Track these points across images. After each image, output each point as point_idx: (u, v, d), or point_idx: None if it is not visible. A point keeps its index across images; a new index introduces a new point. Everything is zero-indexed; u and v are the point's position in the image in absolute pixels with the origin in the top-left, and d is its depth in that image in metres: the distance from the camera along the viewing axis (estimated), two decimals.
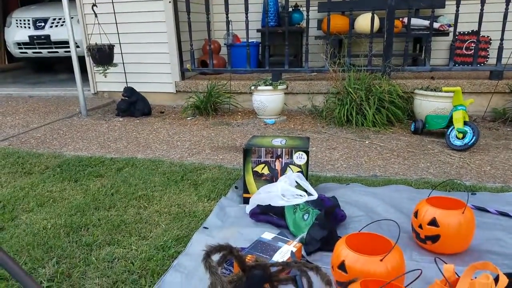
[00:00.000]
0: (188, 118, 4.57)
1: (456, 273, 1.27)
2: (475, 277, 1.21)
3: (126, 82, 5.09)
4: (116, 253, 1.84)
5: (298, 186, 2.12)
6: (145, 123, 4.40)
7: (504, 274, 1.37)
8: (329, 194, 2.34)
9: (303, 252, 1.80)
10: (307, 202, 2.03)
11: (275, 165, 2.31)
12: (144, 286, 1.61)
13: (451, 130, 3.24)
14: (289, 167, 2.29)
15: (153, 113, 4.83)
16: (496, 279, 1.21)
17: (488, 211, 2.11)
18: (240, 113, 4.72)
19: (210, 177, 2.74)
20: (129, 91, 4.63)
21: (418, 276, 1.24)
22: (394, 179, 2.67)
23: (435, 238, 1.73)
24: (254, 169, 2.32)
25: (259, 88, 4.27)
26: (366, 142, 3.54)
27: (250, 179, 2.33)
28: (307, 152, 2.26)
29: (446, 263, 1.26)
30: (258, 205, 2.12)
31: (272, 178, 2.31)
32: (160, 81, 5.17)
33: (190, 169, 2.90)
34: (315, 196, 2.05)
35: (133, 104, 4.65)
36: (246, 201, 2.30)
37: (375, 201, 2.28)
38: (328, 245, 1.78)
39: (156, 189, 2.57)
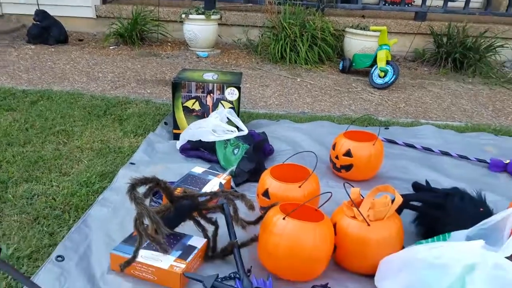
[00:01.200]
0: (111, 47, 4.34)
1: (361, 195, 1.52)
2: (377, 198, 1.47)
3: (38, 5, 4.60)
4: (35, 190, 1.81)
5: (229, 122, 2.23)
6: (61, 51, 4.10)
7: (401, 195, 1.67)
8: (260, 130, 2.49)
9: (232, 184, 1.96)
10: (237, 137, 2.17)
11: (206, 101, 2.37)
12: (68, 221, 1.63)
13: (374, 69, 3.53)
14: (221, 103, 2.37)
15: (70, 40, 4.50)
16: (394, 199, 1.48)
17: (397, 143, 2.45)
18: (170, 44, 4.58)
19: (137, 112, 2.72)
20: (41, 15, 4.22)
21: (329, 198, 1.48)
22: (320, 115, 2.91)
23: (348, 167, 2.00)
24: (184, 104, 2.36)
25: (190, 16, 4.14)
26: (298, 80, 3.73)
27: (180, 114, 2.37)
28: (238, 88, 2.34)
29: (353, 187, 1.50)
30: (188, 141, 2.20)
31: (204, 113, 2.37)
32: (77, 4, 4.76)
33: (114, 103, 2.83)
34: (245, 131, 2.19)
35: (46, 30, 4.28)
36: (176, 137, 2.35)
37: (301, 136, 2.50)
38: (256, 176, 1.96)
39: (76, 124, 2.50)
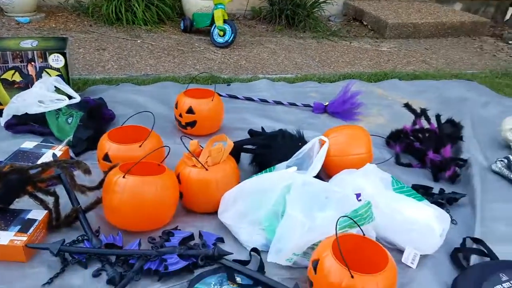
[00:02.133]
0: None
1: (201, 146, 1.72)
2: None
3: None
4: None
5: (59, 91, 2.15)
6: None
7: (236, 141, 1.94)
8: (97, 96, 2.46)
9: (71, 154, 1.96)
10: (70, 105, 2.11)
11: (28, 70, 2.23)
12: None
13: (214, 28, 3.74)
14: (45, 71, 2.26)
15: None
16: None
17: (238, 98, 2.73)
18: None
19: None
20: None
21: (168, 153, 1.66)
22: (164, 76, 3.01)
23: (193, 124, 2.19)
24: (3, 77, 2.19)
25: None
26: (138, 41, 3.70)
27: None
28: (63, 54, 2.25)
29: (192, 139, 1.69)
30: (14, 116, 2.08)
31: (27, 84, 2.23)
32: None
33: None
34: (77, 99, 2.15)
35: None
36: None
37: (144, 98, 2.58)
38: (96, 143, 1.94)
39: None
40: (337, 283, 1.16)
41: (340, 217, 1.28)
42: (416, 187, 1.84)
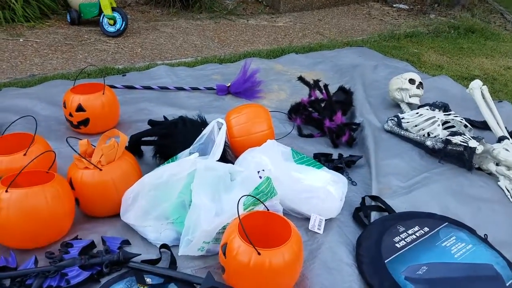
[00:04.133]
0: None
1: (93, 145, 1.59)
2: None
3: None
4: None
5: None
6: None
7: (134, 134, 1.84)
8: None
9: None
10: None
11: None
12: None
13: (102, 18, 3.47)
14: None
15: None
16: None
17: (135, 88, 2.58)
18: None
19: None
20: None
21: (54, 159, 1.51)
22: (52, 75, 2.73)
23: (85, 122, 2.02)
24: None
25: None
26: (21, 40, 3.32)
27: None
28: None
29: (80, 139, 1.55)
30: None
31: None
32: None
33: None
34: None
35: None
36: None
37: (31, 101, 2.32)
38: None
39: None
40: (245, 263, 1.16)
41: (242, 196, 1.27)
42: (317, 156, 1.91)
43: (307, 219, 1.55)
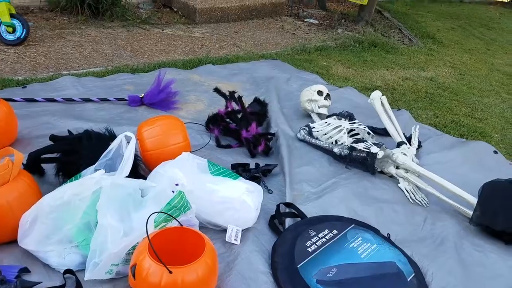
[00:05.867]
0: None
1: None
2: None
3: None
4: None
5: None
6: None
7: (34, 151, 1.68)
8: None
9: None
10: None
11: None
12: None
13: (0, 25, 3.15)
14: None
15: None
16: None
17: (37, 100, 2.37)
18: None
19: None
20: None
21: None
22: None
23: None
24: None
25: None
26: None
27: None
28: None
29: None
30: None
31: None
32: None
33: None
34: None
35: None
36: None
37: None
38: None
39: None
40: (156, 283, 1.12)
41: (151, 214, 1.22)
42: (235, 166, 1.92)
43: (225, 230, 1.54)
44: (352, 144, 2.09)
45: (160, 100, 2.52)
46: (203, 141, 2.19)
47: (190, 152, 1.73)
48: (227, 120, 2.27)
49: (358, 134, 2.27)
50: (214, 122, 2.27)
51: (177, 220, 1.30)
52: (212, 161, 1.75)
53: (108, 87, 2.71)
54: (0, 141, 1.86)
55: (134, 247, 1.26)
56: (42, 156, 1.69)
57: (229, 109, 2.24)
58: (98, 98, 2.49)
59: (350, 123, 2.27)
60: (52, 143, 1.80)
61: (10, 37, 3.18)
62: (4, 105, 1.88)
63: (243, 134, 2.14)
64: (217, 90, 2.30)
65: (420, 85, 3.62)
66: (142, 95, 2.55)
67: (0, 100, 1.86)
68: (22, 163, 1.50)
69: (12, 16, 3.16)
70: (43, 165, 1.74)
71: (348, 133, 2.24)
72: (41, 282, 1.25)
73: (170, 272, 1.11)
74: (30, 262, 1.34)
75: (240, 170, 1.90)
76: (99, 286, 1.28)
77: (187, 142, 1.85)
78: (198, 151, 2.02)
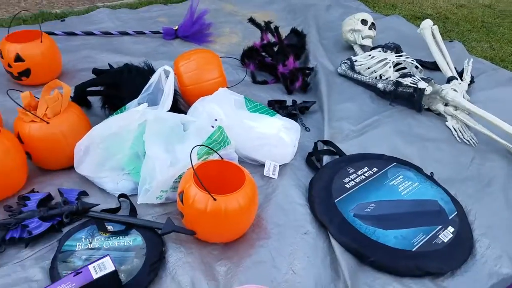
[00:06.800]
0: None
1: (36, 97, 1.56)
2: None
3: None
4: None
5: None
6: None
7: (78, 84, 1.79)
8: None
9: None
10: None
11: None
12: None
13: None
14: None
15: None
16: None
17: (76, 34, 2.47)
18: None
19: None
20: None
21: None
22: None
23: (27, 72, 1.95)
24: None
25: None
26: None
27: None
28: None
29: (22, 92, 1.51)
30: None
31: None
32: None
33: None
34: None
35: None
36: None
37: None
38: None
39: None
40: (202, 209, 1.25)
41: (194, 147, 1.33)
42: (271, 103, 1.97)
43: (262, 165, 1.64)
44: (398, 79, 2.07)
45: (193, 32, 2.54)
46: (238, 76, 2.23)
47: (227, 87, 1.80)
48: (263, 53, 2.27)
49: (405, 68, 2.23)
50: (249, 56, 2.28)
51: (218, 154, 1.40)
52: (248, 97, 1.81)
53: (142, 19, 2.76)
54: (47, 75, 2.01)
55: (180, 176, 1.40)
56: (88, 89, 1.81)
57: (265, 41, 2.24)
58: (134, 31, 2.55)
59: (396, 56, 2.22)
60: (94, 76, 1.93)
61: None
62: (48, 39, 1.99)
63: (279, 69, 2.15)
64: (251, 20, 2.27)
65: (476, 13, 3.40)
66: (176, 27, 2.57)
67: (44, 35, 1.97)
68: (70, 96, 1.63)
69: None
70: (90, 98, 1.88)
71: (394, 67, 2.20)
72: (99, 204, 1.43)
73: (214, 199, 1.24)
74: (87, 186, 1.52)
75: (276, 107, 1.95)
76: (151, 209, 1.45)
77: (223, 77, 1.90)
78: (234, 87, 2.08)
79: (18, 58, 1.90)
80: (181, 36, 2.56)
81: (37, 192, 1.48)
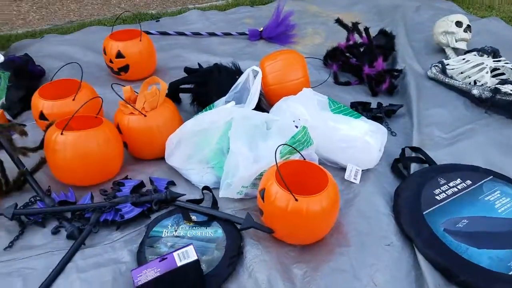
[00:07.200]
0: None
1: (135, 91, 1.62)
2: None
3: None
4: None
5: None
6: None
7: (172, 82, 1.85)
8: (22, 52, 2.24)
9: (8, 117, 1.83)
10: None
11: None
12: None
13: None
14: None
15: None
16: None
17: (169, 34, 2.56)
18: None
19: None
20: None
21: (102, 104, 1.57)
22: (89, 21, 2.75)
23: (126, 68, 2.05)
24: None
25: None
26: None
27: None
28: None
29: (124, 86, 1.58)
30: None
31: None
32: None
33: None
34: (0, 58, 1.97)
35: None
36: None
37: (72, 48, 2.37)
38: (30, 102, 1.86)
39: None
40: (283, 207, 1.20)
41: (279, 146, 1.28)
42: (355, 104, 1.86)
43: (343, 169, 1.55)
44: (496, 86, 1.85)
45: (278, 33, 2.51)
46: (321, 77, 2.15)
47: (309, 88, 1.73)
48: (347, 54, 2.16)
49: (503, 74, 1.99)
50: (333, 57, 2.19)
51: (301, 154, 1.34)
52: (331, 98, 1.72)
53: (229, 20, 2.78)
54: (144, 71, 2.11)
55: (261, 174, 1.36)
56: (180, 87, 1.85)
57: (351, 42, 2.13)
58: (221, 33, 2.58)
59: (494, 61, 1.99)
60: (185, 74, 1.97)
61: None
62: (146, 38, 2.08)
63: (365, 70, 2.03)
64: (338, 21, 2.17)
65: None
66: (261, 28, 2.56)
67: (143, 34, 2.06)
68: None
69: None
70: (180, 94, 1.92)
71: (490, 72, 1.97)
72: (185, 194, 1.45)
73: (296, 199, 1.18)
74: (174, 177, 1.55)
75: (360, 109, 1.84)
76: (231, 204, 1.43)
77: (306, 77, 1.84)
78: (316, 88, 1.98)
79: (119, 55, 2.01)
80: (266, 37, 2.53)
81: (130, 179, 1.53)
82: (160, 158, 1.59)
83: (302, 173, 1.35)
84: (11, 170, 1.47)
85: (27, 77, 2.03)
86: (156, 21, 2.73)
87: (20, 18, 2.82)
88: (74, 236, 1.30)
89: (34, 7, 2.96)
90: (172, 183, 1.52)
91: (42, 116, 1.61)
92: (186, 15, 2.81)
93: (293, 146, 1.32)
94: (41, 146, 1.49)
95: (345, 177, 1.51)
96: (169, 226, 1.33)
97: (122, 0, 3.11)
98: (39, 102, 1.61)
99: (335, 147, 1.51)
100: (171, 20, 2.76)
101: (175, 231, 1.31)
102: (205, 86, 1.79)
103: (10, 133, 1.51)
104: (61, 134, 1.39)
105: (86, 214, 1.37)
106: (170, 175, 1.56)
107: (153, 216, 1.38)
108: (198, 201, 1.43)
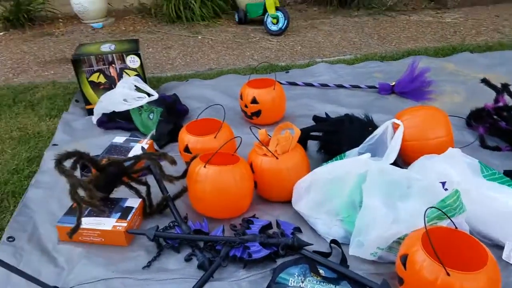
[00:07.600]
0: (1, 34, 3.87)
1: (269, 135, 1.63)
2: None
3: None
4: None
5: (139, 89, 2.20)
6: None
7: (302, 128, 1.82)
8: (170, 92, 2.48)
9: (155, 147, 2.00)
10: (150, 102, 2.16)
11: (110, 72, 2.31)
12: (8, 207, 1.66)
13: (267, 17, 3.59)
14: (125, 72, 2.32)
15: None
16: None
17: (297, 84, 2.60)
18: (61, 20, 4.20)
19: (46, 95, 2.61)
20: None
21: (240, 143, 1.59)
22: (226, 69, 2.94)
23: (258, 113, 2.11)
24: (90, 79, 2.29)
25: None
26: (199, 37, 3.67)
27: (88, 90, 2.31)
28: (138, 55, 2.30)
29: (260, 129, 1.60)
30: (103, 114, 2.17)
31: (111, 85, 2.32)
32: None
33: (21, 90, 2.70)
34: (155, 96, 2.19)
35: None
36: (90, 112, 2.30)
37: (211, 92, 2.54)
38: (176, 136, 1.97)
39: None
40: (431, 280, 1.02)
41: (428, 208, 1.12)
42: (508, 172, 1.59)
43: (498, 246, 1.30)
44: None
45: (412, 89, 2.36)
46: (463, 138, 1.92)
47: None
48: (495, 117, 1.91)
49: None
50: (478, 118, 1.96)
51: (452, 221, 1.16)
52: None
53: (357, 74, 2.73)
54: (273, 117, 2.14)
55: (401, 238, 1.21)
56: (310, 134, 1.82)
57: (501, 103, 1.89)
58: (349, 85, 2.53)
59: None
60: (314, 123, 1.94)
61: (274, 28, 3.60)
62: (279, 87, 2.12)
63: None
64: (485, 81, 1.97)
65: None
66: (393, 83, 2.44)
67: (276, 84, 2.11)
68: None
69: (276, 8, 3.55)
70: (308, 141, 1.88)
71: None
72: (313, 244, 1.35)
73: (448, 274, 1.00)
74: (300, 223, 1.47)
75: None
76: (361, 265, 1.29)
77: (450, 137, 1.65)
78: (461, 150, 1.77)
79: (254, 101, 2.07)
80: (398, 92, 2.41)
81: (258, 218, 1.50)
82: (286, 202, 1.54)
83: (452, 244, 1.16)
84: (156, 195, 1.56)
85: (175, 114, 2.22)
86: (286, 72, 2.81)
87: (168, 63, 3.14)
88: (204, 267, 1.30)
89: (181, 54, 3.29)
90: (298, 229, 1.45)
91: (186, 149, 1.71)
92: (314, 67, 2.84)
93: (443, 211, 1.16)
94: (183, 175, 1.55)
95: (503, 257, 1.26)
96: (295, 275, 1.24)
97: (255, 52, 3.29)
98: (186, 137, 1.72)
99: (491, 220, 1.28)
100: (299, 71, 2.81)
101: (302, 282, 1.22)
102: (335, 135, 1.72)
103: (160, 161, 1.62)
104: (204, 167, 1.44)
105: (217, 246, 1.36)
106: (295, 220, 1.49)
107: (279, 261, 1.31)
108: (326, 255, 1.32)
